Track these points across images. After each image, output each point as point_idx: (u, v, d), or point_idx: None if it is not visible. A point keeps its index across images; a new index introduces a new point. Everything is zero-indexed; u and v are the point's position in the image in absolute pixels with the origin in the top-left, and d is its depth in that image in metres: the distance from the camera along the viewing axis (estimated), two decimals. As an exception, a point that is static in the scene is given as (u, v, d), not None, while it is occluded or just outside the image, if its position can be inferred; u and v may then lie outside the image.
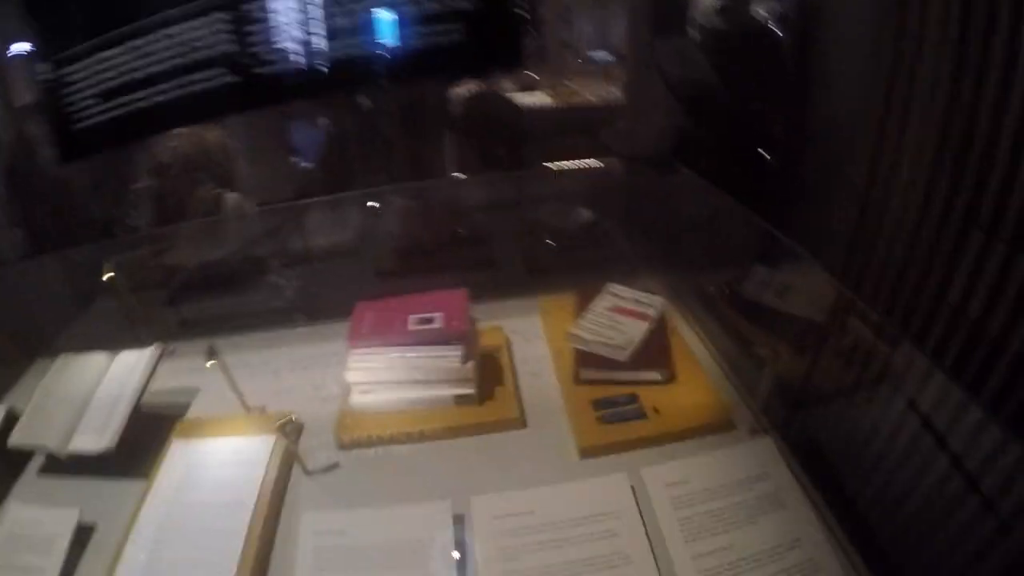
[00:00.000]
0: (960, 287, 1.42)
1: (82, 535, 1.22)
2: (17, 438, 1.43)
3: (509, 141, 2.21)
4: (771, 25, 2.38)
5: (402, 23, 1.55)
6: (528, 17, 1.64)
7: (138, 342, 1.61)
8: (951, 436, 1.08)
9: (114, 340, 1.66)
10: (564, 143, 2.39)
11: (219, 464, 1.30)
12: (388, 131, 2.02)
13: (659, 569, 1.01)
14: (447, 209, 2.14)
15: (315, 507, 1.20)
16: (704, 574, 0.99)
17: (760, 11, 2.39)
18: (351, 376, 1.36)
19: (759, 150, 2.26)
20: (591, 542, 1.05)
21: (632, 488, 1.13)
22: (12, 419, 1.47)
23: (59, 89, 1.68)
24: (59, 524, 1.22)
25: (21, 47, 1.74)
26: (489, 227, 2.14)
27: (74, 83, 1.67)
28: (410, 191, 2.09)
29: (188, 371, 1.59)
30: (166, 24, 1.57)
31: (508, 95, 2.23)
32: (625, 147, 2.58)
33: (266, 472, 1.25)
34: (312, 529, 1.13)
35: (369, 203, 2.00)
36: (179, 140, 1.93)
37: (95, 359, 1.55)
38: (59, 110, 1.70)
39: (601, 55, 3.13)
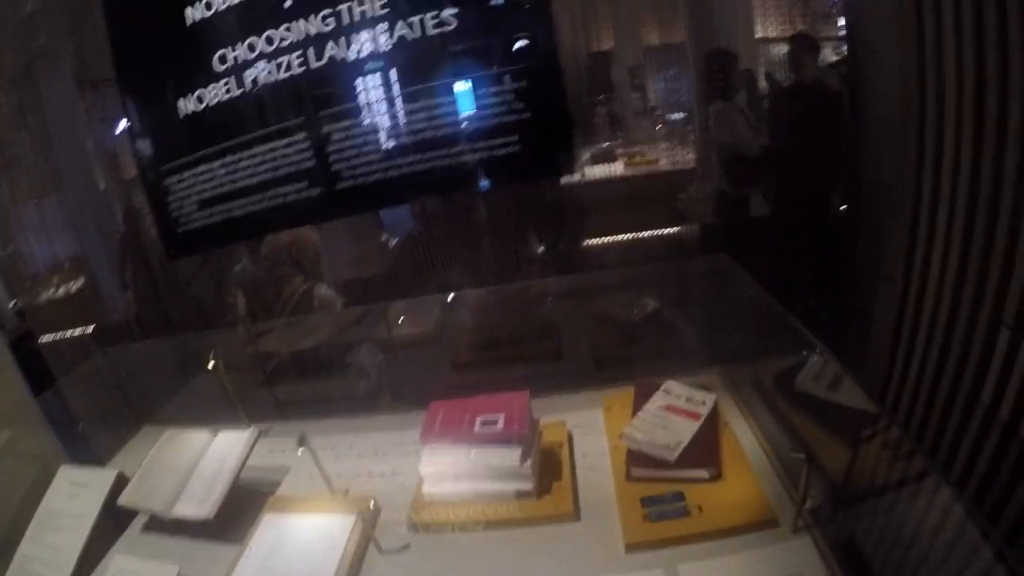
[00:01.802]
0: (991, 388, 1.56)
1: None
2: (127, 499, 1.71)
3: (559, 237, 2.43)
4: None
5: (462, 138, 1.84)
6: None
7: (234, 419, 1.88)
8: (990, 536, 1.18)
9: (212, 415, 1.94)
10: (639, 212, 2.60)
11: (304, 539, 1.52)
12: (460, 233, 2.30)
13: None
14: (518, 302, 2.36)
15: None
16: None
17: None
18: (423, 469, 1.58)
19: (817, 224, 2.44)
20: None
21: None
22: (122, 481, 1.76)
23: (166, 195, 2.04)
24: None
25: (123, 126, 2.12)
26: (558, 320, 2.33)
27: (179, 191, 2.03)
28: (483, 287, 2.34)
29: (280, 450, 1.84)
30: (258, 142, 1.92)
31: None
32: (699, 213, 2.78)
33: (344, 550, 1.45)
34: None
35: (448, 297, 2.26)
36: (273, 236, 2.26)
37: (199, 435, 1.82)
38: (166, 213, 2.06)
39: (674, 120, 3.34)
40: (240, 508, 1.66)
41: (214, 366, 1.89)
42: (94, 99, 2.47)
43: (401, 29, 1.74)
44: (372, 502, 1.50)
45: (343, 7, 1.76)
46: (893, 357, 1.98)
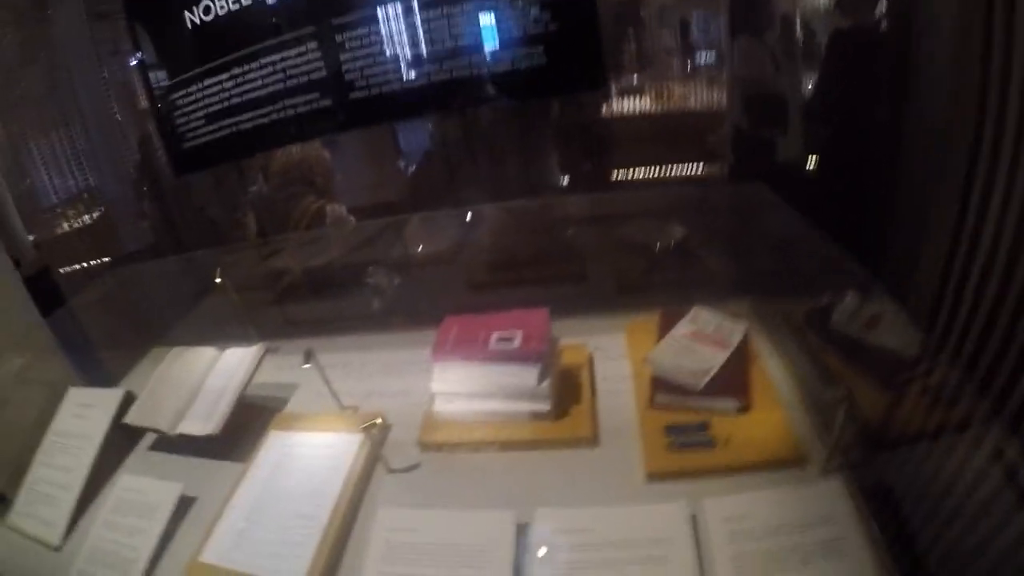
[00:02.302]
0: None
1: (183, 505, 1.45)
2: (133, 417, 1.69)
3: (596, 154, 2.33)
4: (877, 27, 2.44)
5: (489, 46, 1.71)
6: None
7: (245, 339, 1.83)
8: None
9: (223, 335, 1.89)
10: (667, 149, 2.50)
11: (310, 456, 1.49)
12: (481, 148, 2.20)
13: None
14: (540, 223, 2.27)
15: (392, 503, 1.35)
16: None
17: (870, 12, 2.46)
18: (435, 386, 1.52)
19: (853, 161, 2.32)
20: (641, 565, 1.13)
21: (692, 517, 1.19)
22: (129, 400, 1.74)
23: (172, 110, 1.97)
24: (163, 494, 1.45)
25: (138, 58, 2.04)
26: (582, 242, 2.26)
27: (185, 105, 1.95)
28: (505, 206, 2.25)
29: (289, 368, 1.78)
30: (268, 52, 1.82)
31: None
32: (726, 153, 2.67)
33: (351, 467, 1.42)
34: (386, 524, 1.28)
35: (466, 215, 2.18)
36: (284, 153, 2.19)
37: (206, 353, 1.79)
38: (172, 129, 1.98)
39: (704, 57, 3.21)
40: (246, 425, 1.64)
41: (220, 282, 1.85)
42: (105, 31, 2.40)
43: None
44: (380, 420, 1.44)
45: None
46: (941, 297, 1.87)
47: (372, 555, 1.25)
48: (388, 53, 1.74)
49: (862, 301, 1.59)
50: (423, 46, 1.73)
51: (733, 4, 2.71)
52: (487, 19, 1.71)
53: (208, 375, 1.73)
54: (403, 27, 1.74)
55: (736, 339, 1.58)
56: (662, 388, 1.48)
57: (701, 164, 2.42)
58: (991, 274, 1.65)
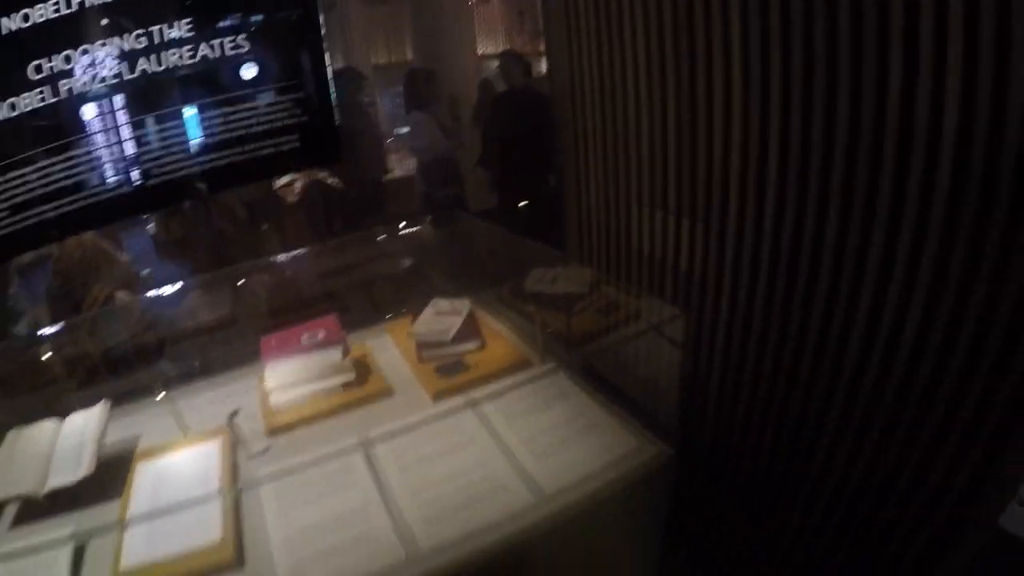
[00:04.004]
0: (647, 238, 2.50)
1: (78, 555, 1.61)
2: None
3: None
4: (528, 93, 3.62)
5: (256, 136, 2.37)
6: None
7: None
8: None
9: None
10: (380, 212, 3.31)
11: (184, 463, 1.89)
12: (237, 220, 2.79)
13: (498, 444, 1.82)
14: (303, 276, 2.90)
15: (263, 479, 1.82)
16: (527, 440, 1.82)
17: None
18: (269, 383, 2.08)
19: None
20: (457, 444, 1.84)
21: (471, 408, 1.96)
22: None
23: None
24: (54, 551, 1.60)
25: None
26: (339, 283, 2.94)
27: None
28: (267, 266, 2.84)
29: (123, 428, 2.11)
30: (72, 146, 2.23)
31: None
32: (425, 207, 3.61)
33: (220, 462, 1.86)
34: (270, 480, 1.78)
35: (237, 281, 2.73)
36: (62, 249, 2.55)
37: (46, 424, 2.02)
38: None
39: (398, 131, 4.14)
40: (109, 471, 1.87)
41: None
42: None
43: (204, 50, 2.22)
44: (229, 418, 1.94)
45: (155, 28, 2.16)
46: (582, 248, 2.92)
47: (268, 504, 1.70)
48: (179, 145, 2.30)
49: (544, 270, 2.49)
50: (207, 138, 2.32)
51: (409, 84, 3.64)
52: (252, 115, 2.36)
53: (57, 439, 1.94)
54: (192, 123, 2.30)
55: (465, 310, 2.37)
56: (425, 347, 2.24)
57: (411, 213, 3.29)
58: (608, 230, 2.69)
